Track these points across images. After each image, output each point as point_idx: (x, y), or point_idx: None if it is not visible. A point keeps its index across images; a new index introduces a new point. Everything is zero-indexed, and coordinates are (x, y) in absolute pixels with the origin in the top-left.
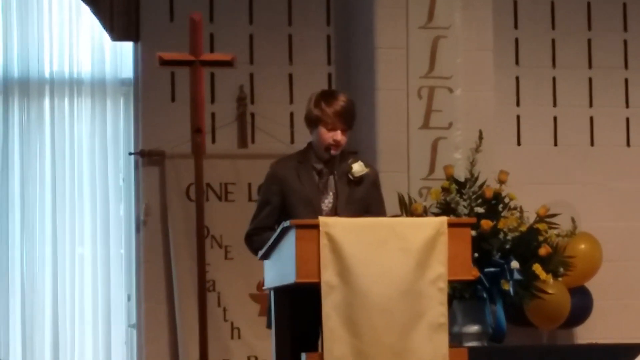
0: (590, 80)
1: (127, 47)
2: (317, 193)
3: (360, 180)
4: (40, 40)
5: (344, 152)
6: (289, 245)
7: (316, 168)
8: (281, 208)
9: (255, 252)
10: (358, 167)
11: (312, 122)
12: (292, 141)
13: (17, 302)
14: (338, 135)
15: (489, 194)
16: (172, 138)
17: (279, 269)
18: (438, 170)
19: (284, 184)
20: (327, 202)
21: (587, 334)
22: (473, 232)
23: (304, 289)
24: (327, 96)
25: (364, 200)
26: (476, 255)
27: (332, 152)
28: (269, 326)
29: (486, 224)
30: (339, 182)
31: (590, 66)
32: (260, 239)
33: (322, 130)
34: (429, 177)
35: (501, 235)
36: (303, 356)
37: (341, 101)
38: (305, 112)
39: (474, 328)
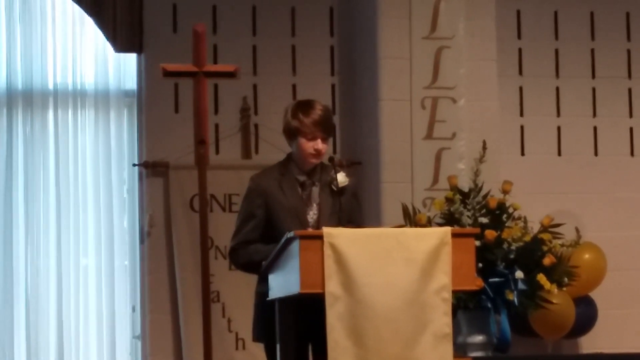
0: (593, 90)
1: (131, 58)
2: (302, 205)
3: (342, 191)
4: (43, 52)
5: (323, 163)
6: (292, 257)
7: (299, 180)
8: (265, 221)
9: (242, 267)
10: (342, 178)
11: (292, 133)
12: None
13: (22, 313)
14: (319, 145)
15: (492, 204)
16: (176, 149)
17: (283, 280)
18: (442, 181)
19: (268, 197)
20: (312, 213)
21: (591, 343)
22: (477, 242)
23: (302, 300)
24: (303, 106)
25: (347, 210)
26: (480, 265)
27: (313, 161)
28: (255, 339)
29: (490, 234)
30: (322, 193)
31: (593, 76)
32: (246, 253)
33: (302, 140)
34: (433, 187)
35: (505, 245)
36: None
37: (318, 110)
38: (283, 124)
39: (478, 338)
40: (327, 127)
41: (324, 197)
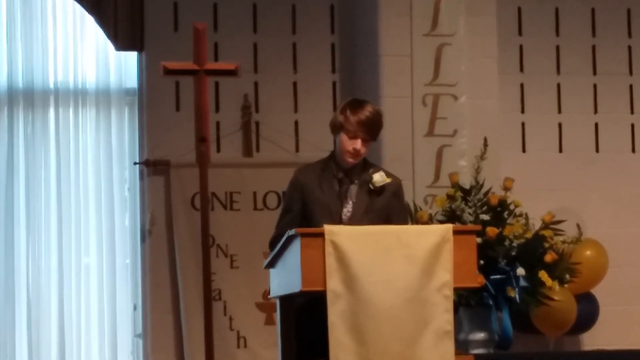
0: (595, 86)
1: (132, 56)
2: (337, 201)
3: (381, 190)
4: (44, 51)
5: (367, 161)
6: (294, 254)
7: (337, 176)
8: (302, 215)
9: None
10: (378, 177)
11: (336, 128)
12: (297, 150)
13: (23, 311)
14: (358, 144)
15: (494, 201)
16: (177, 147)
17: (285, 277)
18: (443, 178)
19: (305, 191)
20: (347, 210)
21: (593, 340)
22: (478, 240)
23: (309, 297)
24: (354, 104)
25: (384, 210)
26: (482, 262)
27: (350, 160)
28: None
29: (491, 231)
30: (360, 191)
31: (594, 72)
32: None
33: (344, 137)
34: (434, 184)
35: (507, 242)
36: None
37: (367, 111)
38: (332, 118)
39: (480, 335)
40: (371, 130)
41: (361, 196)
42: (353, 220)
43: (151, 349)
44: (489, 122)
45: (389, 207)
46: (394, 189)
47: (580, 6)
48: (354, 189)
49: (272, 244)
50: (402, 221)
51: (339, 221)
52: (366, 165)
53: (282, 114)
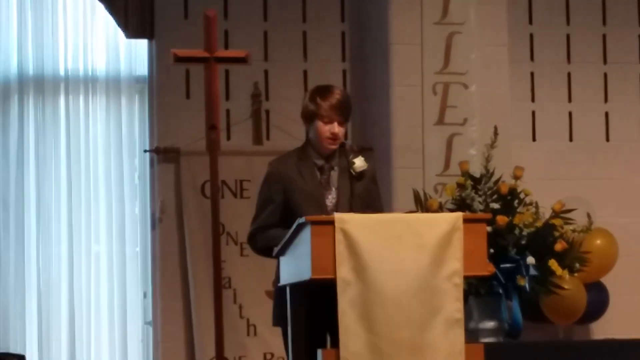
0: (605, 75)
1: (142, 44)
2: (320, 189)
3: (360, 175)
4: (55, 38)
5: (343, 147)
6: (304, 242)
7: (317, 164)
8: (284, 206)
9: (260, 252)
10: (359, 162)
11: (309, 117)
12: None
13: (34, 299)
14: (335, 128)
15: (504, 189)
16: (187, 135)
17: (295, 265)
18: (453, 166)
19: (287, 182)
20: (331, 197)
21: (603, 329)
22: (488, 228)
23: (317, 285)
24: (322, 90)
25: (365, 195)
26: (492, 251)
27: (330, 146)
28: (275, 324)
29: (502, 219)
30: (341, 178)
31: (605, 61)
32: (263, 237)
33: (319, 124)
34: (444, 173)
35: (517, 231)
36: (319, 352)
37: (336, 94)
38: (302, 108)
39: (490, 324)
40: (345, 111)
41: (343, 182)
42: (338, 207)
43: (161, 336)
44: (499, 110)
45: (369, 193)
46: (371, 174)
47: None
48: (334, 175)
49: (254, 237)
50: (379, 207)
51: (324, 209)
52: (342, 151)
53: (292, 102)
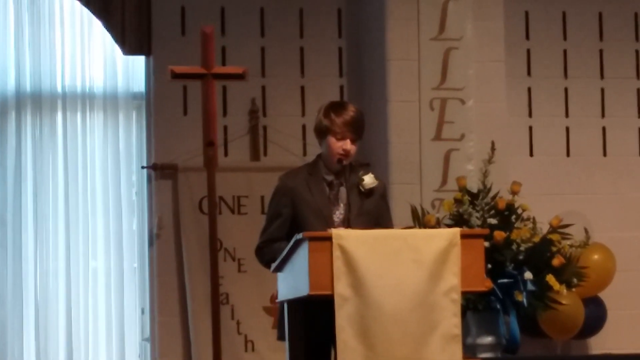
0: (602, 90)
1: (139, 61)
2: (328, 204)
3: (370, 192)
4: (52, 55)
5: (353, 163)
6: (302, 258)
7: (326, 179)
8: (292, 220)
9: (267, 265)
10: (369, 180)
11: (322, 132)
12: (305, 153)
13: (31, 315)
14: (347, 145)
15: (501, 205)
16: (185, 151)
17: (292, 281)
18: (450, 182)
19: (295, 196)
20: (339, 213)
21: (601, 344)
22: (486, 243)
23: (317, 301)
24: (336, 107)
25: (374, 212)
26: (489, 266)
27: (342, 162)
28: (280, 338)
29: (499, 235)
30: (350, 194)
31: (602, 76)
32: (270, 251)
33: (332, 140)
34: (442, 188)
35: (514, 246)
36: None
37: (350, 111)
38: (315, 123)
39: (487, 339)
40: (358, 129)
41: (352, 198)
42: (345, 223)
43: (159, 352)
44: (497, 126)
45: (378, 210)
46: (382, 192)
47: (587, 10)
48: (343, 191)
49: (261, 250)
50: (389, 224)
51: (331, 224)
52: (353, 167)
53: (289, 118)
